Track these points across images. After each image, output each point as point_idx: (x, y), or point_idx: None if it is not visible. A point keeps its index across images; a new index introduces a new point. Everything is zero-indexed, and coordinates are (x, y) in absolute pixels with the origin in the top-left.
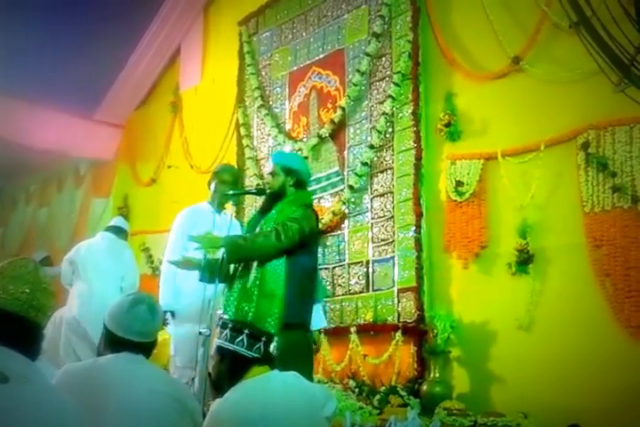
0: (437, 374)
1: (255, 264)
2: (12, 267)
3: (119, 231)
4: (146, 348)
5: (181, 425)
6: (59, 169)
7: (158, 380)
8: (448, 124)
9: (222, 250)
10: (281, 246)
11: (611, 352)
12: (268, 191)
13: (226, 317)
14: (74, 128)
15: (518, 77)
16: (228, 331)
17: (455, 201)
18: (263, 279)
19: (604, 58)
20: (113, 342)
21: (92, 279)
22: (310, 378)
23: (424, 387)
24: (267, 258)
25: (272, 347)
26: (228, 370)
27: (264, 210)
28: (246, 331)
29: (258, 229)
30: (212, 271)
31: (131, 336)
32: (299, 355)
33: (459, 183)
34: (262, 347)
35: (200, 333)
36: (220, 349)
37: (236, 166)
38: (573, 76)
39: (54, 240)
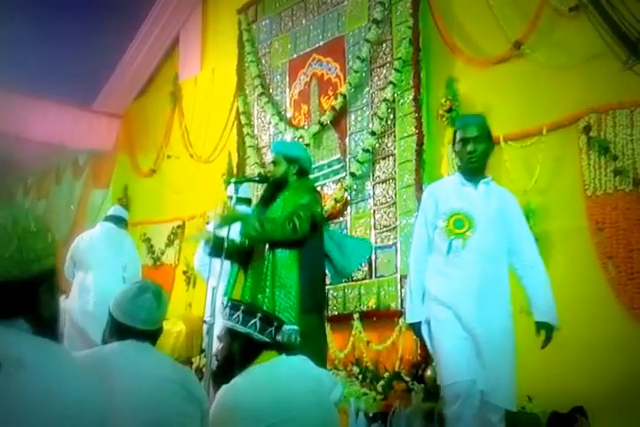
0: None
1: (268, 254)
2: None
3: (119, 220)
4: (151, 335)
5: (188, 412)
6: (57, 161)
7: (165, 367)
8: (449, 110)
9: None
10: (296, 238)
11: (614, 334)
12: (270, 180)
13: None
14: (72, 119)
15: (519, 62)
16: (240, 313)
17: None
18: (276, 270)
19: (611, 36)
20: (119, 330)
21: (93, 270)
22: (324, 361)
23: (428, 372)
24: (279, 245)
25: (289, 334)
26: (239, 353)
27: (267, 200)
28: (259, 314)
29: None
30: (219, 247)
31: (136, 324)
32: (316, 339)
33: None
34: (274, 332)
35: (205, 322)
36: (229, 331)
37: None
38: (574, 60)
39: (53, 232)
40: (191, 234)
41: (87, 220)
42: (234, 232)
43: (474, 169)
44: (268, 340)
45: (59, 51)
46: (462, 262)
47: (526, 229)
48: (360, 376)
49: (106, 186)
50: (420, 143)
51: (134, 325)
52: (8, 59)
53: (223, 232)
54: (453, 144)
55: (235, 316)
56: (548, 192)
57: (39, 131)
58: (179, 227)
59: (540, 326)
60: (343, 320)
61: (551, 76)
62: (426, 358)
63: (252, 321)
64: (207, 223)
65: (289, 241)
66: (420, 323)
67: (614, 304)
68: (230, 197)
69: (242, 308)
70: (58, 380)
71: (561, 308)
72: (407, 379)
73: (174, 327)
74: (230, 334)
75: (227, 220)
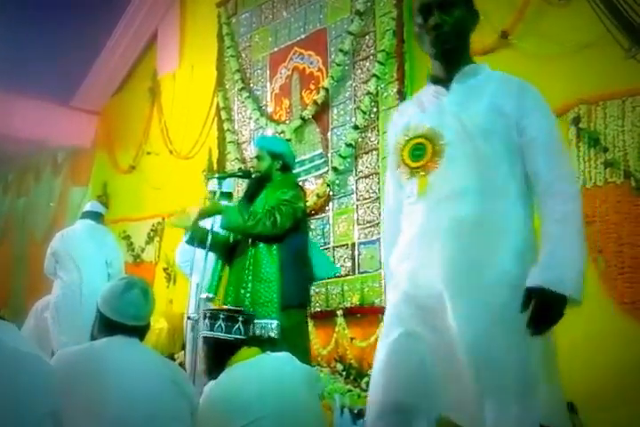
0: None
1: (250, 249)
2: None
3: (96, 216)
4: (140, 331)
5: (178, 407)
6: (36, 158)
7: (155, 363)
8: None
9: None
10: (276, 233)
11: (604, 329)
12: (254, 175)
13: (211, 305)
14: (50, 116)
15: (506, 52)
16: (207, 320)
17: None
18: (257, 264)
19: (613, 23)
20: (107, 326)
21: (77, 268)
22: (308, 358)
23: None
24: (259, 239)
25: (267, 328)
26: (215, 355)
27: (250, 195)
28: (222, 315)
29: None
30: (200, 236)
31: (125, 320)
32: (299, 336)
33: None
34: (242, 328)
35: (189, 317)
36: (204, 339)
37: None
38: (563, 49)
39: (33, 230)
40: (172, 219)
41: (67, 217)
42: (217, 226)
43: (445, 54)
44: (237, 337)
45: (37, 47)
46: (419, 217)
47: (548, 143)
48: (344, 373)
49: (85, 183)
50: None
51: (123, 321)
52: None
53: (206, 224)
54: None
55: (204, 322)
56: None
57: (17, 127)
58: (159, 224)
59: (543, 295)
60: (326, 317)
61: (539, 66)
62: None
63: (217, 323)
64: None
65: (269, 236)
66: None
67: (604, 298)
68: (213, 192)
69: (207, 314)
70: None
71: None
72: None
73: (156, 324)
74: (204, 340)
75: (208, 211)
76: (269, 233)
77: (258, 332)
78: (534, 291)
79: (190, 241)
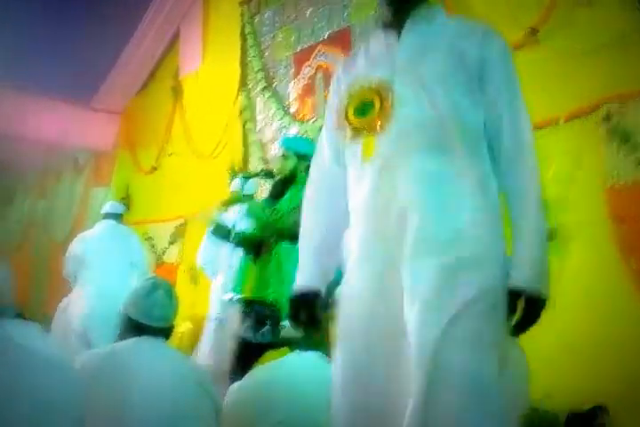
0: None
1: (273, 248)
2: None
3: (117, 217)
4: (165, 333)
5: (202, 409)
6: (57, 159)
7: (180, 364)
8: None
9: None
10: (298, 231)
11: (635, 331)
12: (278, 176)
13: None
14: (71, 117)
15: (535, 49)
16: (239, 321)
17: None
18: (280, 264)
19: None
20: (132, 328)
21: (101, 272)
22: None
23: None
24: (283, 237)
25: (290, 331)
26: (242, 357)
27: (275, 195)
28: (252, 316)
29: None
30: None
31: (150, 321)
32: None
33: None
34: (270, 330)
35: (216, 318)
36: (233, 336)
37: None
38: (593, 46)
39: (54, 233)
40: (201, 213)
41: (88, 219)
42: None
43: None
44: (263, 340)
45: (57, 47)
46: (365, 187)
47: (509, 95)
48: None
49: (107, 185)
50: None
51: (148, 322)
52: (6, 57)
53: (229, 220)
54: None
55: (238, 325)
56: (566, 184)
57: (38, 129)
58: (181, 225)
59: (514, 295)
60: None
61: (569, 63)
62: None
63: (246, 324)
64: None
65: (292, 233)
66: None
67: (635, 300)
68: (236, 193)
69: (240, 313)
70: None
71: (580, 303)
72: None
73: (178, 328)
74: (234, 339)
75: (230, 200)
76: (292, 230)
77: (282, 334)
78: (523, 293)
79: (215, 232)
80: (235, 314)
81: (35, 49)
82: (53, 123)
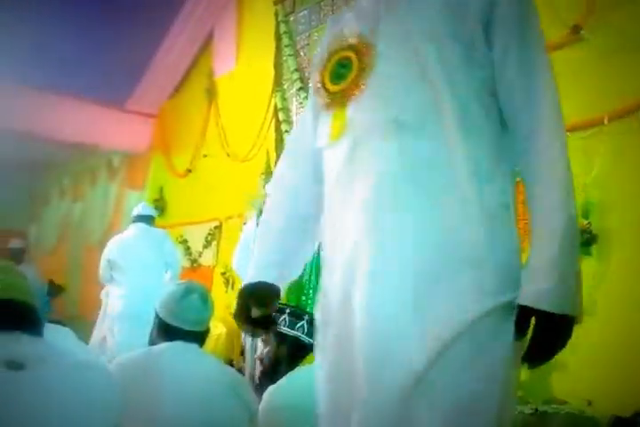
0: None
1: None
2: None
3: (149, 219)
4: (199, 337)
5: (237, 415)
6: (92, 162)
7: (214, 369)
8: None
9: None
10: None
11: None
12: None
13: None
14: (105, 119)
15: (578, 47)
16: (286, 316)
17: None
18: (319, 270)
19: None
20: (166, 332)
21: (135, 274)
22: None
23: None
24: None
25: None
26: (287, 356)
27: None
28: (306, 317)
29: None
30: None
31: (184, 325)
32: None
33: None
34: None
35: None
36: (276, 334)
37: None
38: (637, 44)
39: (89, 235)
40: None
41: (123, 222)
42: None
43: None
44: (309, 340)
45: (91, 49)
46: (332, 172)
47: (522, 51)
48: None
49: (141, 187)
50: None
51: (182, 326)
52: (40, 59)
53: None
54: None
55: (281, 319)
56: (609, 186)
57: (72, 131)
58: (216, 228)
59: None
60: None
61: (613, 61)
62: None
63: (300, 324)
64: (244, 223)
65: None
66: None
67: None
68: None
69: (287, 311)
70: (77, 376)
71: (622, 308)
72: None
73: (214, 330)
74: (277, 337)
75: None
76: None
77: None
78: (536, 314)
79: None
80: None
81: (70, 53)
82: (89, 125)
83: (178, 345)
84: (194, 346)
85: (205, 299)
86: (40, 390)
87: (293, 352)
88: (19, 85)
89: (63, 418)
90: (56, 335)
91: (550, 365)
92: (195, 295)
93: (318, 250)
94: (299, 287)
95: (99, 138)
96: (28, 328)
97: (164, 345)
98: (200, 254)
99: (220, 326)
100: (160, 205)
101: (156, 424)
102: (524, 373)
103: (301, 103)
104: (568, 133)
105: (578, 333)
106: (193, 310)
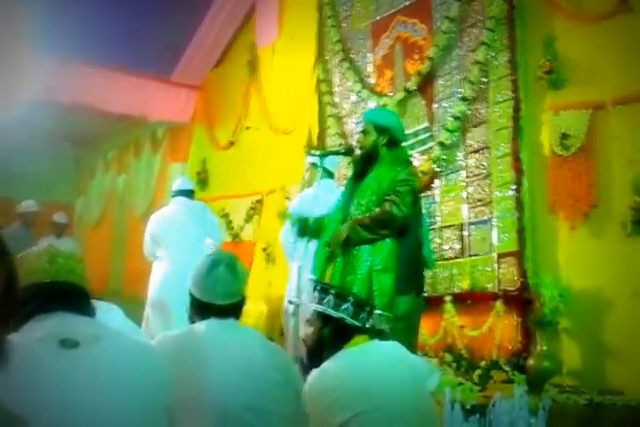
0: (545, 348)
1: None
2: (27, 255)
3: (190, 193)
4: (233, 310)
5: (283, 396)
6: (136, 134)
7: (256, 348)
8: (549, 72)
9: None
10: (403, 216)
11: None
12: (359, 152)
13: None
14: (150, 91)
15: (627, 17)
16: (331, 297)
17: (560, 156)
18: (373, 253)
19: None
20: (199, 308)
21: (178, 248)
22: (414, 345)
23: (530, 361)
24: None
25: (381, 320)
26: (331, 338)
27: (358, 174)
28: (351, 299)
29: (356, 200)
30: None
31: (215, 300)
32: (409, 324)
33: (564, 136)
34: (366, 316)
35: (290, 302)
36: (320, 315)
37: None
38: None
39: (133, 207)
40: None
41: (166, 195)
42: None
43: None
44: (360, 325)
45: (136, 22)
46: None
47: None
48: (454, 365)
49: (184, 160)
50: (516, 108)
51: (213, 301)
52: (86, 33)
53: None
54: None
55: (325, 300)
56: None
57: (118, 103)
58: (257, 202)
59: None
60: (433, 303)
61: None
62: (527, 346)
63: (345, 306)
64: (287, 198)
65: (401, 222)
66: None
67: None
68: (315, 165)
69: (332, 291)
70: (128, 355)
71: None
72: (507, 368)
73: (255, 307)
74: (321, 319)
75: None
76: (397, 219)
77: (371, 323)
78: None
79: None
80: (319, 298)
81: (116, 28)
82: (135, 96)
83: (216, 324)
84: (232, 323)
85: (234, 269)
86: (94, 369)
87: (337, 334)
88: (65, 58)
89: (115, 397)
90: (106, 315)
91: (604, 353)
92: (221, 267)
93: None
94: (345, 266)
95: (144, 110)
96: (81, 310)
97: (201, 325)
98: (241, 229)
99: (261, 303)
100: (202, 177)
101: (199, 407)
102: (576, 361)
103: (344, 74)
104: (618, 106)
105: (632, 318)
106: (221, 282)
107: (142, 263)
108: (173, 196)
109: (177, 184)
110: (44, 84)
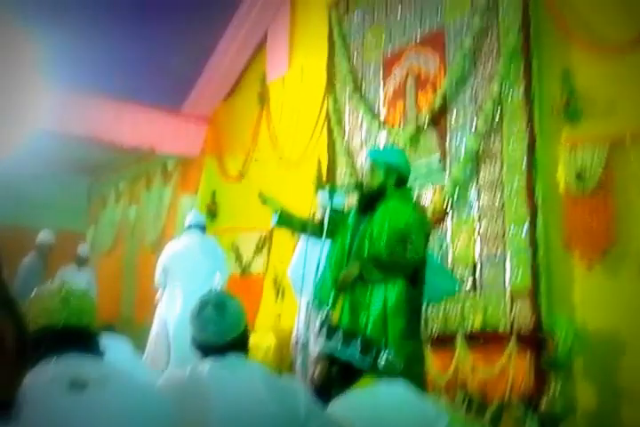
0: (559, 389)
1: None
2: (40, 293)
3: (203, 228)
4: (232, 346)
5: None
6: (147, 166)
7: (260, 386)
8: (566, 104)
9: None
10: (418, 260)
11: None
12: (365, 190)
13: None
14: (161, 123)
15: None
16: (339, 338)
17: (577, 191)
18: (387, 290)
19: None
20: (199, 347)
21: (188, 281)
22: (423, 387)
23: (543, 403)
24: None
25: (390, 362)
26: (339, 378)
27: (364, 209)
28: (359, 342)
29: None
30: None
31: (209, 339)
32: (415, 367)
33: (581, 171)
34: (373, 359)
35: (296, 341)
36: (329, 356)
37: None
38: None
39: (144, 238)
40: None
41: (176, 226)
42: None
43: None
44: (367, 367)
45: (146, 54)
46: None
47: None
48: (464, 405)
49: (195, 191)
50: (531, 142)
51: (206, 340)
52: (97, 63)
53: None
54: None
55: (333, 340)
56: None
57: (128, 135)
58: (267, 235)
59: None
60: (444, 342)
61: None
62: (540, 387)
63: (352, 348)
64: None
65: (412, 266)
66: None
67: None
68: (324, 207)
69: (341, 332)
70: (135, 397)
71: None
72: (519, 410)
73: (264, 342)
74: (329, 359)
75: (346, 282)
76: (410, 271)
77: (380, 365)
78: None
79: (279, 224)
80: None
81: (127, 59)
82: (145, 129)
83: (214, 363)
84: (231, 359)
85: (221, 308)
86: (101, 410)
87: (345, 376)
88: (77, 89)
89: None
90: (115, 351)
91: (619, 395)
92: (209, 308)
93: None
94: (358, 303)
95: (155, 142)
96: (91, 350)
97: (203, 365)
98: (251, 262)
99: (270, 336)
100: (212, 209)
101: None
102: (592, 404)
103: (355, 106)
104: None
105: None
106: (211, 323)
107: (153, 292)
108: (188, 228)
109: (190, 218)
110: (57, 114)
